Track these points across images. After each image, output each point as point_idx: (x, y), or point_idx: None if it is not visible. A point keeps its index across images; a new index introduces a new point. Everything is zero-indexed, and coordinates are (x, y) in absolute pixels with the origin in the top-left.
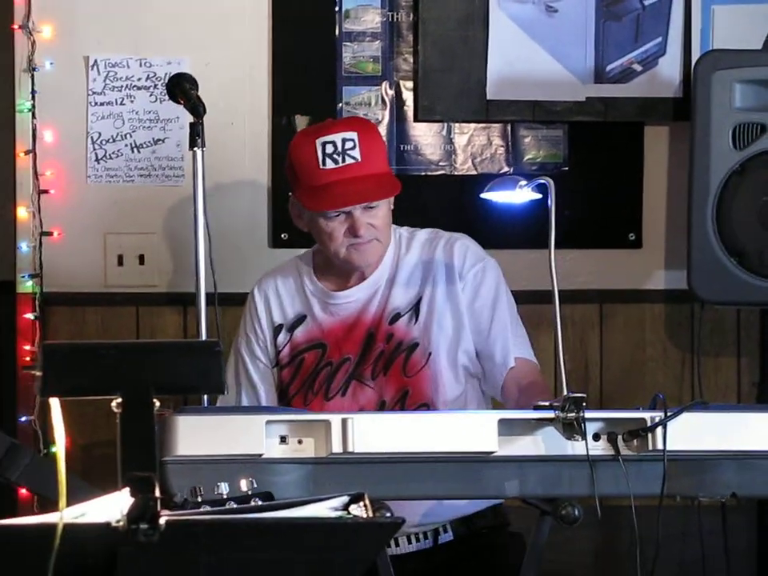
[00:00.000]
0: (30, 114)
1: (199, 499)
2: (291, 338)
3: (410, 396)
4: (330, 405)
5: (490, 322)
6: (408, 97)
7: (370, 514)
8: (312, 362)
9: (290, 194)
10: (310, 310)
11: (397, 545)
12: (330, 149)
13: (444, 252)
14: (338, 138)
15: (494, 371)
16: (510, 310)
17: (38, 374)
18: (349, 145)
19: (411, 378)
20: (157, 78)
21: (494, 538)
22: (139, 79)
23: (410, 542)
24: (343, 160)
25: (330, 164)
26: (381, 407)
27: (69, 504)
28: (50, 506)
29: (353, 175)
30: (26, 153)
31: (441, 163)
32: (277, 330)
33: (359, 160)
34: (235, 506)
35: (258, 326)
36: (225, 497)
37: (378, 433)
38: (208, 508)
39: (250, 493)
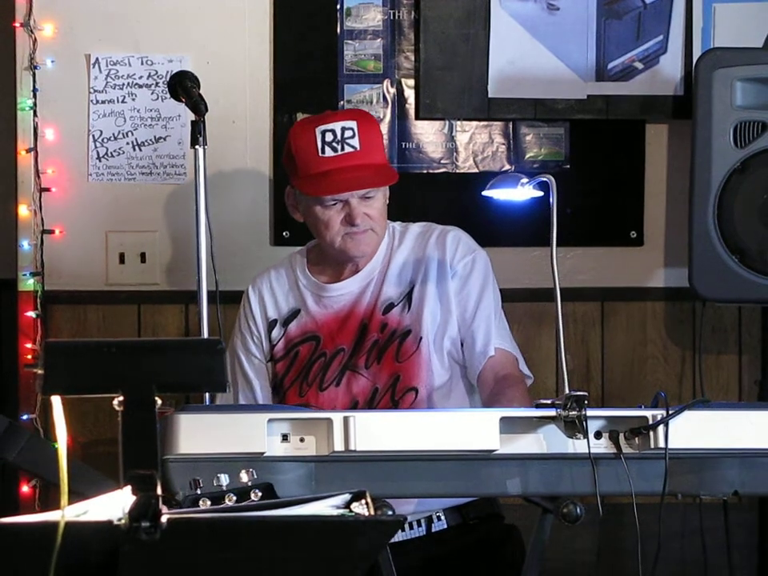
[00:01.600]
0: (32, 112)
1: (199, 492)
2: (285, 332)
3: (400, 381)
4: (324, 395)
5: (474, 310)
6: (410, 95)
7: (372, 512)
8: (306, 354)
9: (288, 185)
10: (304, 304)
11: None
12: (329, 137)
13: (437, 243)
14: (337, 126)
15: (473, 359)
16: (495, 303)
17: (40, 372)
18: (348, 134)
19: (403, 364)
20: (158, 76)
21: (490, 531)
22: (141, 77)
23: (402, 530)
24: (342, 148)
25: (329, 152)
26: (373, 395)
27: (81, 492)
28: (53, 503)
29: (351, 163)
30: (28, 151)
31: (442, 161)
32: (271, 325)
33: (358, 149)
34: (235, 497)
35: (253, 323)
36: (224, 488)
37: (379, 431)
38: (209, 502)
39: (249, 484)
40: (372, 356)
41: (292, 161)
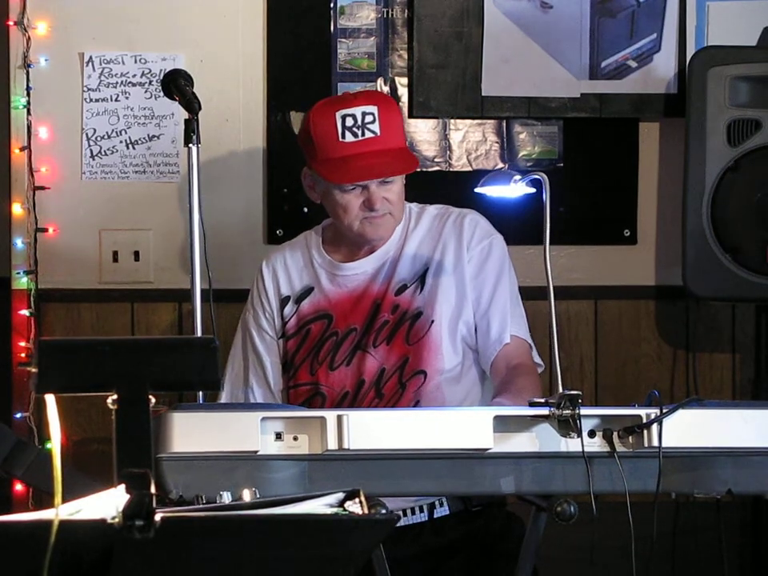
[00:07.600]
0: (25, 110)
1: None
2: (298, 309)
3: (408, 363)
4: (334, 375)
5: (491, 297)
6: (403, 93)
7: (366, 511)
8: (318, 332)
9: (305, 166)
10: (318, 282)
11: None
12: (349, 122)
13: (454, 226)
14: (357, 111)
15: (487, 346)
16: (512, 289)
17: (34, 370)
18: (369, 119)
19: (413, 346)
20: (152, 75)
21: (492, 519)
22: (134, 75)
23: (404, 515)
24: (363, 134)
25: (349, 137)
26: (380, 375)
27: (71, 498)
28: (46, 502)
29: (372, 149)
30: (21, 149)
31: (436, 159)
32: (284, 301)
33: (378, 134)
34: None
35: (265, 298)
36: None
37: (373, 429)
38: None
39: None
40: (381, 336)
41: (311, 143)
